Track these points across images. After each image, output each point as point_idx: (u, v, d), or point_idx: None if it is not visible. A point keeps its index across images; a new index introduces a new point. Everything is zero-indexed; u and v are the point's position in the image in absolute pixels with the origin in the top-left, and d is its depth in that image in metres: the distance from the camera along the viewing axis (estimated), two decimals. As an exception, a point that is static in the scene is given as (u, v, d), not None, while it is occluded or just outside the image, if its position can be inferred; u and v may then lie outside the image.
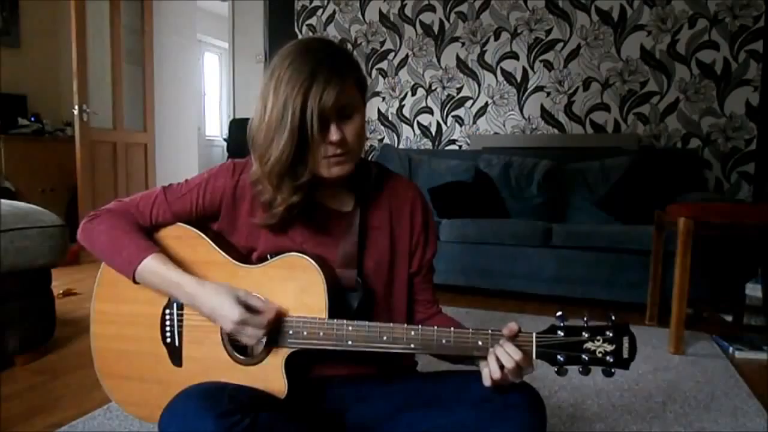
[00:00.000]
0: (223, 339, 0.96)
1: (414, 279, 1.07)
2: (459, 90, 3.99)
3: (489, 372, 0.84)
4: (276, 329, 0.91)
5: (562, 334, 0.86)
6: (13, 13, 4.52)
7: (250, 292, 0.92)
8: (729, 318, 2.56)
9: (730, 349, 2.12)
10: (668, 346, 2.12)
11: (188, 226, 1.01)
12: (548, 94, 3.77)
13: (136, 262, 0.93)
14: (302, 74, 0.86)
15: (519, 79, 3.83)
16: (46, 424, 1.45)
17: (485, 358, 0.86)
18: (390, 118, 4.21)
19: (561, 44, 3.70)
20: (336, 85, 0.86)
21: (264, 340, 0.90)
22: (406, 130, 4.17)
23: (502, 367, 0.84)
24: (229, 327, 0.87)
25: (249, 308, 0.88)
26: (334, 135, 0.87)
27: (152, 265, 0.93)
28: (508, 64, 3.85)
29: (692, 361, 2.02)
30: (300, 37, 3.99)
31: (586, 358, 0.85)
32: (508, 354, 0.84)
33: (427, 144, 4.12)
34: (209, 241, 0.99)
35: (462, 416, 0.89)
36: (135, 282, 0.95)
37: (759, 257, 2.61)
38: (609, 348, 0.85)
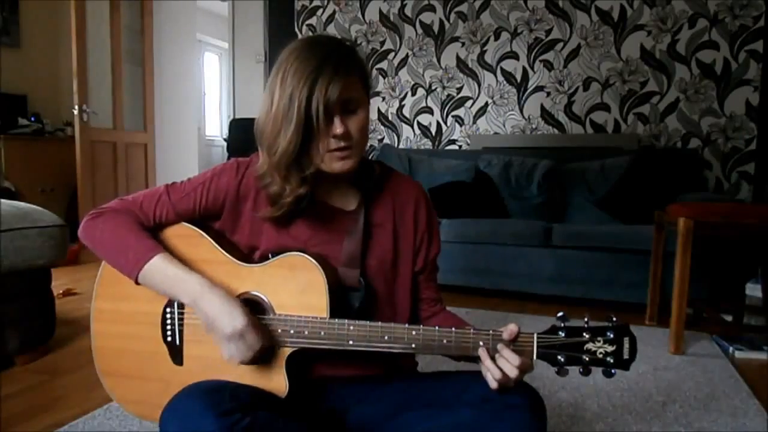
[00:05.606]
0: (223, 338, 0.95)
1: (418, 277, 1.08)
2: (459, 90, 3.99)
3: (491, 376, 0.86)
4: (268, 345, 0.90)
5: (563, 334, 0.86)
6: (13, 13, 4.52)
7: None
8: (729, 318, 2.56)
9: (730, 349, 2.12)
10: (668, 346, 2.12)
11: (190, 225, 1.01)
12: (548, 94, 3.77)
13: (143, 261, 0.91)
14: (309, 67, 0.87)
15: (519, 79, 3.83)
16: (46, 424, 1.44)
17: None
18: (390, 118, 4.21)
19: (561, 44, 3.71)
20: (341, 79, 0.87)
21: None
22: (406, 130, 4.17)
23: (503, 372, 0.85)
24: (228, 330, 0.86)
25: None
26: (338, 128, 0.89)
27: (160, 264, 0.92)
28: (508, 64, 3.85)
29: (692, 361, 2.02)
30: (300, 37, 3.99)
31: (587, 359, 0.85)
32: (507, 361, 0.85)
33: (427, 144, 4.12)
34: (211, 240, 0.99)
35: (462, 416, 0.88)
36: (137, 282, 0.93)
37: (759, 257, 2.61)
38: (609, 349, 0.85)
